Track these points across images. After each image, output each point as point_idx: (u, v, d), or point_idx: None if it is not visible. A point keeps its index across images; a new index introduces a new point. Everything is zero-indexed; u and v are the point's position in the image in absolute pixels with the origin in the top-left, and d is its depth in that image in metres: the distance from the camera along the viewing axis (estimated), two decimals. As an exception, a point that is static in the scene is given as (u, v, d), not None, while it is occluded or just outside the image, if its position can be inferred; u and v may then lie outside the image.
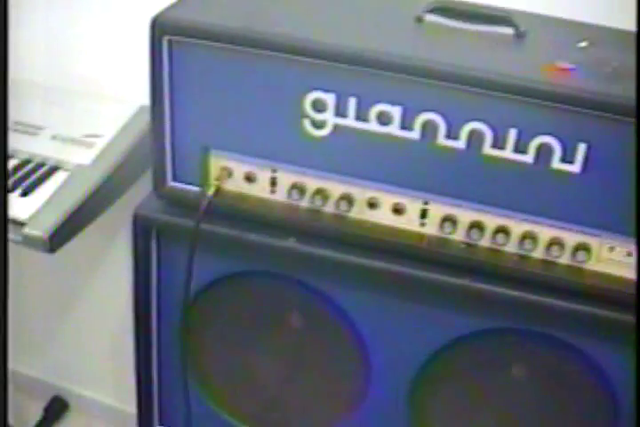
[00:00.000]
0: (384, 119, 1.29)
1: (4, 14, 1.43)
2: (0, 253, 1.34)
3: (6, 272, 1.34)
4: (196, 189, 1.45)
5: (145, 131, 1.63)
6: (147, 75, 1.40)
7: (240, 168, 1.42)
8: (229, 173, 1.42)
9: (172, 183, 1.47)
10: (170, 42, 1.34)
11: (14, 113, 1.74)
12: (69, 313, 2.34)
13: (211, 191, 1.43)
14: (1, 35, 1.42)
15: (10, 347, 2.44)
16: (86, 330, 2.33)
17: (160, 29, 1.34)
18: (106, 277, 2.18)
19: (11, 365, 2.49)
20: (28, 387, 2.51)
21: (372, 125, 1.30)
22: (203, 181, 1.44)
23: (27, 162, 1.66)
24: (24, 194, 1.59)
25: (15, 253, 1.58)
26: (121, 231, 1.62)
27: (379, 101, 1.28)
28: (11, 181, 1.60)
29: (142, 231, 1.51)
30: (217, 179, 1.43)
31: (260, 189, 1.42)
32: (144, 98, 1.51)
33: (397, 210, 1.36)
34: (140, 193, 1.60)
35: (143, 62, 1.41)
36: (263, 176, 1.41)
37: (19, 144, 1.68)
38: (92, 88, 1.83)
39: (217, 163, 1.42)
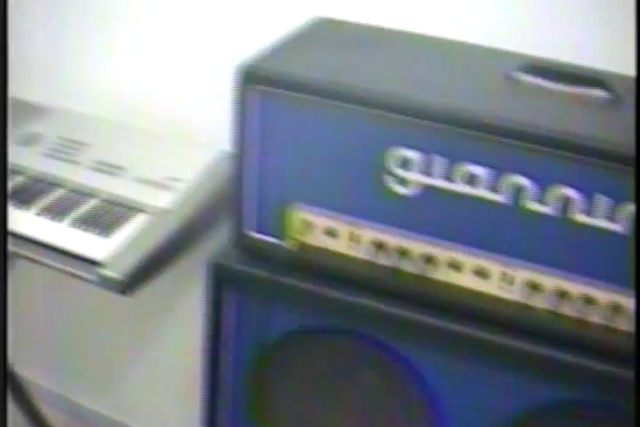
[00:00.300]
0: (471, 180, 1.26)
1: (4, 21, 1.44)
2: (1, 269, 1.34)
3: (6, 279, 1.33)
4: (273, 240, 1.44)
5: (224, 176, 1.63)
6: (226, 120, 1.40)
7: (321, 222, 1.40)
8: (310, 227, 1.40)
9: (250, 233, 1.46)
10: (255, 91, 1.34)
11: (100, 153, 1.76)
12: (142, 354, 2.35)
13: (290, 244, 1.41)
14: (2, 48, 1.43)
15: (80, 383, 2.47)
16: (157, 372, 2.34)
17: (246, 78, 1.34)
18: (179, 321, 2.18)
19: (80, 399, 2.53)
20: (95, 423, 2.54)
21: (458, 186, 1.27)
22: (282, 234, 1.43)
23: (107, 202, 1.66)
24: (102, 234, 1.59)
25: (92, 292, 1.58)
26: (196, 277, 1.62)
27: (466, 162, 1.25)
28: (90, 222, 1.61)
29: (216, 280, 1.50)
30: (297, 232, 1.41)
31: (340, 245, 1.40)
32: (223, 142, 1.52)
33: (480, 273, 1.33)
34: (216, 240, 1.60)
35: (223, 107, 1.41)
36: (344, 232, 1.39)
37: (100, 184, 1.70)
38: (172, 131, 1.85)
39: (298, 216, 1.41)
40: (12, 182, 1.71)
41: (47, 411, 2.42)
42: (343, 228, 1.39)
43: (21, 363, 2.41)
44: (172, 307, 2.18)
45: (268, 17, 1.65)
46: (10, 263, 2.06)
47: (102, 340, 2.39)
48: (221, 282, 1.50)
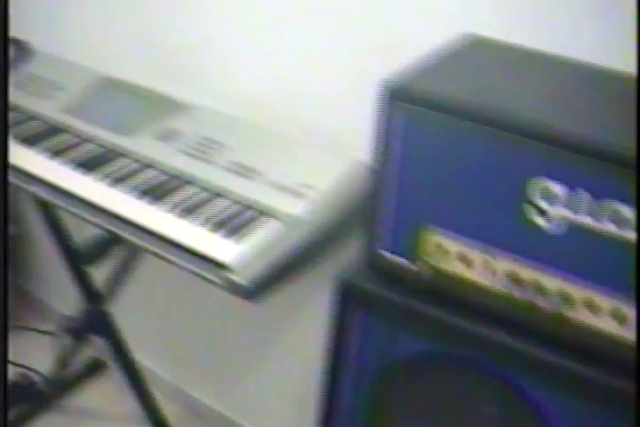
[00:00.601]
0: (617, 220, 1.22)
1: (5, 18, 1.46)
2: (1, 268, 1.36)
3: (6, 277, 1.34)
4: (406, 262, 1.43)
5: (360, 188, 1.62)
6: (366, 131, 1.41)
7: (456, 248, 1.38)
8: (444, 252, 1.39)
9: (382, 253, 1.45)
10: (400, 109, 1.33)
11: (237, 154, 1.77)
12: (264, 359, 2.39)
13: (422, 268, 1.40)
14: (1, 39, 1.45)
15: (199, 378, 2.54)
16: (276, 378, 2.38)
17: (391, 95, 1.33)
18: (303, 331, 2.19)
19: (197, 393, 2.60)
20: (208, 418, 2.61)
21: (603, 225, 1.24)
22: (415, 256, 1.42)
23: (239, 205, 1.67)
24: (231, 237, 1.60)
25: (216, 293, 1.60)
26: (323, 289, 1.62)
27: (614, 200, 1.22)
28: (220, 223, 1.62)
29: (343, 297, 1.51)
30: (430, 255, 1.40)
31: (474, 273, 1.38)
32: (362, 153, 1.52)
33: (617, 317, 1.29)
34: (346, 254, 1.61)
35: (365, 118, 1.41)
36: (479, 259, 1.37)
37: (234, 186, 1.71)
38: (311, 138, 1.86)
39: (432, 239, 1.39)
40: (145, 176, 1.76)
41: (162, 401, 2.49)
42: (478, 255, 1.37)
43: (142, 352, 2.48)
44: (298, 315, 2.20)
45: (417, 32, 1.64)
46: (139, 256, 2.12)
47: (226, 339, 2.44)
48: (348, 300, 1.50)
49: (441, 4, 1.59)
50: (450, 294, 1.42)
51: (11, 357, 2.74)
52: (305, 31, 1.81)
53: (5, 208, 1.46)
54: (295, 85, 1.88)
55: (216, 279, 1.55)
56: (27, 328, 2.90)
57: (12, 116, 2.02)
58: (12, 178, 1.85)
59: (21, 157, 1.87)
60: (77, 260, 2.28)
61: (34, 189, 1.82)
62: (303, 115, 1.89)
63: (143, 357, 2.50)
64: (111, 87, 2.06)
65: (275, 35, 1.86)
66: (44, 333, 2.70)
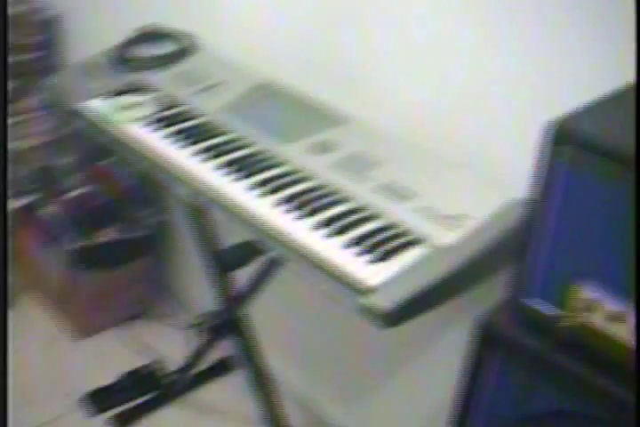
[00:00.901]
0: None
1: (4, 18, 1.47)
2: (0, 265, 1.38)
3: (6, 275, 1.36)
4: (551, 313, 1.40)
5: (514, 226, 1.60)
6: (527, 167, 1.40)
7: (606, 305, 1.34)
8: (594, 308, 1.35)
9: (527, 300, 1.43)
10: (564, 152, 1.30)
11: (392, 174, 1.77)
12: (395, 381, 2.40)
13: (568, 321, 1.37)
14: (1, 36, 1.46)
15: (329, 390, 2.56)
16: (405, 402, 2.39)
17: (556, 137, 1.30)
18: (438, 359, 2.19)
19: (325, 405, 2.63)
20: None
21: None
22: (561, 308, 1.39)
23: (388, 227, 1.66)
24: (375, 259, 1.58)
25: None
26: (460, 323, 1.62)
27: None
28: (365, 244, 1.61)
29: (482, 340, 1.49)
30: (578, 310, 1.37)
31: (622, 333, 1.34)
32: (516, 188, 1.53)
33: None
34: (488, 291, 1.61)
35: (528, 155, 1.41)
36: (630, 320, 1.33)
37: (385, 206, 1.70)
38: (471, 166, 1.84)
39: (583, 293, 1.36)
40: (296, 189, 1.77)
41: (289, 409, 2.52)
42: (630, 315, 1.33)
43: (275, 358, 2.52)
44: (433, 345, 2.19)
45: (588, 76, 1.62)
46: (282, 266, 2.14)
47: (360, 355, 2.46)
48: (487, 343, 1.49)
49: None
50: (593, 352, 1.38)
51: (146, 344, 2.86)
52: (479, 55, 1.80)
53: (4, 209, 1.50)
54: (460, 109, 1.87)
55: (350, 304, 1.54)
56: (164, 320, 3.00)
57: (171, 111, 2.08)
58: (160, 176, 1.92)
59: (176, 155, 1.93)
60: (220, 265, 2.32)
61: (182, 191, 1.87)
62: (467, 142, 1.87)
63: (275, 362, 2.54)
64: (272, 91, 2.09)
65: (445, 54, 1.86)
66: (180, 326, 2.77)
